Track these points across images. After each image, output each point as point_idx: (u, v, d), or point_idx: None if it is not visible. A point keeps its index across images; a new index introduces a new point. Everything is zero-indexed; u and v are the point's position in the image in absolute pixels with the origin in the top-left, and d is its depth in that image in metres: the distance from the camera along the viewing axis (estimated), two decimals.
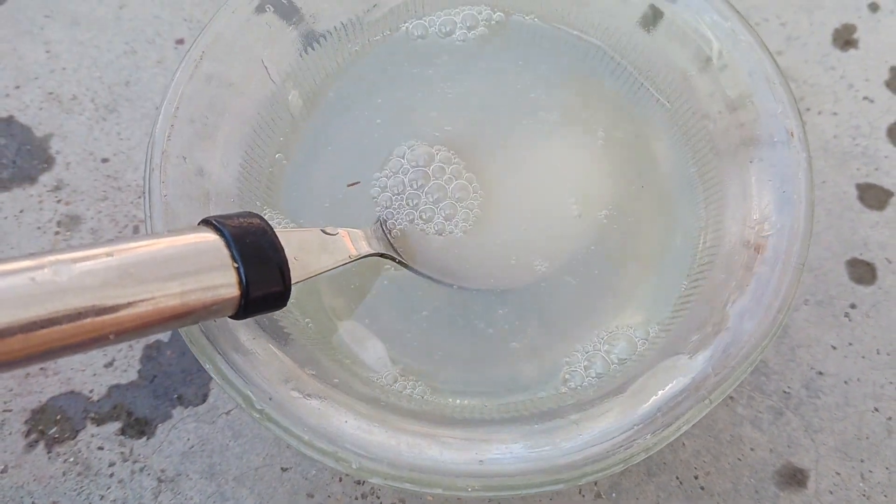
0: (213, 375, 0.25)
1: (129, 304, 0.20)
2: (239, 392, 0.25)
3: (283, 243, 0.24)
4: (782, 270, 0.27)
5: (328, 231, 0.27)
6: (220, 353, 0.25)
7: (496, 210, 0.32)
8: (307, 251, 0.26)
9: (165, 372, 0.34)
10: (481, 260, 0.31)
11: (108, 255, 0.20)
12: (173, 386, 0.34)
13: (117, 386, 0.34)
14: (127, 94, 0.39)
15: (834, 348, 0.35)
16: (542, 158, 0.33)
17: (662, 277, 0.31)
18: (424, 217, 0.32)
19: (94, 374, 0.34)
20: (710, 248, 0.30)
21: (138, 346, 0.34)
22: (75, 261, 0.19)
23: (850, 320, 0.35)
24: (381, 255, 0.30)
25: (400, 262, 0.31)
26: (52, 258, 0.19)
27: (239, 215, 0.24)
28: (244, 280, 0.22)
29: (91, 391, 0.33)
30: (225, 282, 0.22)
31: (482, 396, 0.29)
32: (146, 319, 0.20)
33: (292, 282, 0.24)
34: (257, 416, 0.24)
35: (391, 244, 0.31)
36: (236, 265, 0.22)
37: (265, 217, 0.27)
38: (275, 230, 0.25)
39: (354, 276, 0.31)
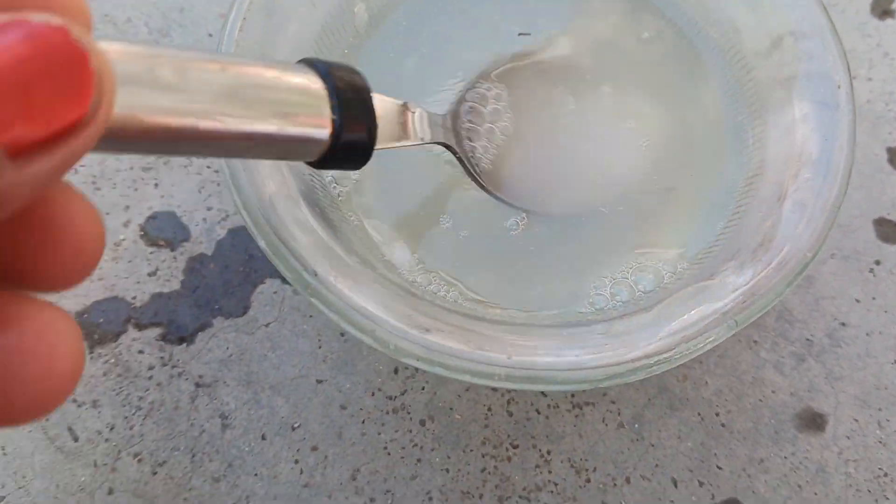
0: (265, 250, 0.26)
1: (231, 118, 0.20)
2: (289, 266, 0.26)
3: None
4: (819, 209, 0.27)
5: (409, 107, 0.27)
6: (273, 231, 0.26)
7: (557, 139, 0.33)
8: (388, 120, 0.26)
9: (208, 284, 0.35)
10: (541, 182, 0.32)
11: (222, 69, 0.20)
12: (215, 297, 0.35)
13: (160, 294, 0.35)
14: (180, 19, 0.40)
15: (857, 301, 0.35)
16: (603, 95, 0.34)
17: (701, 215, 0.32)
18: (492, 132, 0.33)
19: (138, 282, 0.35)
20: (749, 192, 0.31)
21: (182, 257, 0.35)
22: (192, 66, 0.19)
23: (874, 276, 0.36)
24: (449, 149, 0.30)
25: (460, 160, 0.30)
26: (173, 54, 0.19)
27: (341, 67, 0.24)
28: (338, 130, 0.22)
29: (134, 298, 0.34)
30: (320, 124, 0.22)
31: (512, 308, 0.30)
32: (239, 137, 0.20)
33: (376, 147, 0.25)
34: (304, 291, 0.26)
35: (459, 141, 0.31)
36: (334, 116, 0.22)
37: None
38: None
39: (409, 176, 0.33)
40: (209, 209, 0.36)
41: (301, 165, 0.30)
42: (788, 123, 0.30)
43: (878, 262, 0.36)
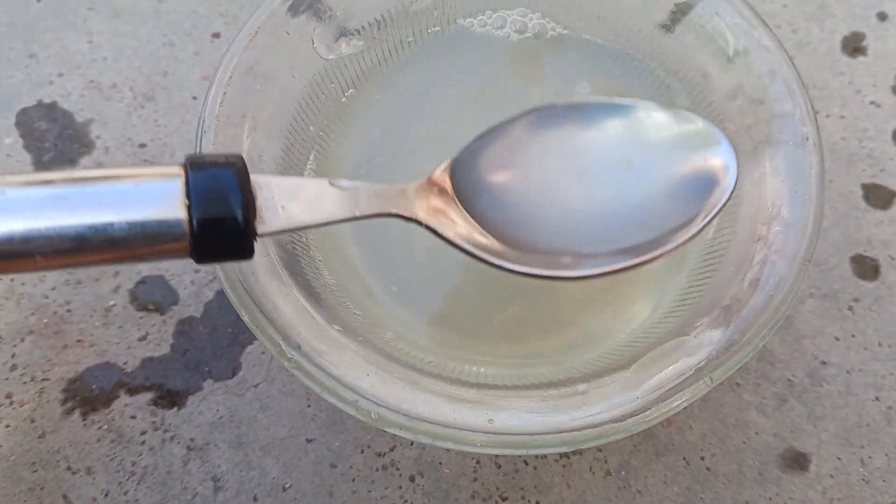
0: (248, 324, 0.27)
1: (63, 232, 0.20)
2: (271, 340, 0.27)
3: (269, 189, 0.23)
4: (789, 264, 0.28)
5: (337, 183, 0.25)
6: (256, 304, 0.27)
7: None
8: (300, 200, 0.24)
9: (197, 347, 0.35)
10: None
11: (46, 182, 0.21)
12: (204, 360, 0.35)
13: (150, 359, 0.35)
14: (164, 83, 0.41)
15: (837, 340, 0.36)
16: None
17: (674, 270, 0.33)
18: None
19: (129, 347, 0.35)
20: (722, 243, 0.32)
21: (171, 321, 0.36)
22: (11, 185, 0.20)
23: (853, 313, 0.36)
24: (407, 219, 0.26)
25: (434, 232, 0.27)
26: None
27: (219, 155, 0.23)
28: (194, 222, 0.21)
29: (125, 363, 0.35)
30: (172, 220, 0.21)
31: (496, 366, 0.31)
32: (83, 250, 0.21)
33: (265, 230, 0.23)
34: (286, 363, 0.27)
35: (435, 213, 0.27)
36: (188, 204, 0.22)
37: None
38: (262, 176, 0.24)
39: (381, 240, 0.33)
40: (196, 271, 0.37)
41: (283, 235, 0.31)
42: (759, 177, 0.31)
43: (856, 300, 0.37)
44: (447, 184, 0.28)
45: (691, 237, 0.26)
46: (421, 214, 0.26)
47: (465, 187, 0.28)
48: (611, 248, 0.26)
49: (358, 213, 0.25)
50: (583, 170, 0.28)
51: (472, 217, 0.27)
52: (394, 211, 0.26)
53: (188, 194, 0.22)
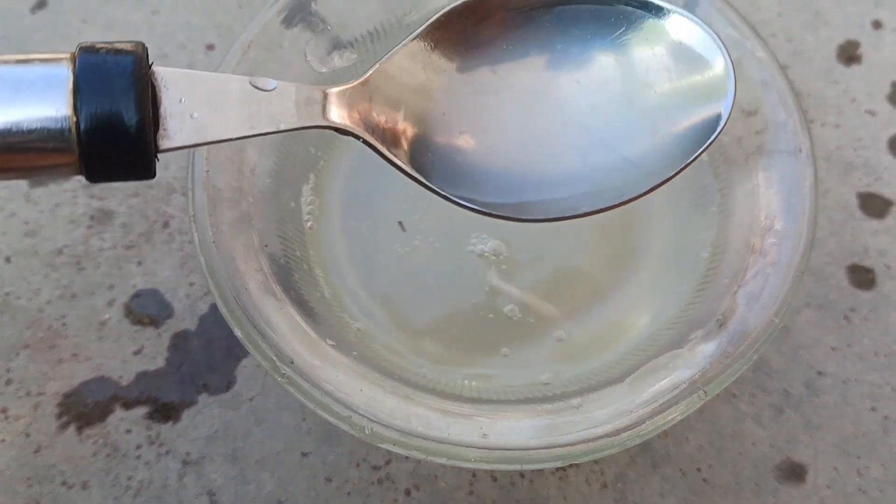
0: (241, 340, 0.27)
1: None
2: (264, 356, 0.27)
3: (177, 89, 0.20)
4: (783, 276, 0.28)
5: (260, 84, 0.22)
6: (249, 320, 0.27)
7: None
8: (215, 105, 0.21)
9: (192, 360, 0.35)
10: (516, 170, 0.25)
11: None
12: (199, 373, 0.35)
13: (145, 372, 0.35)
14: None
15: (834, 349, 0.36)
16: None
17: (669, 283, 0.33)
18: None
19: (124, 361, 0.35)
20: (716, 254, 0.32)
21: (166, 334, 0.36)
22: None
23: (849, 323, 0.36)
24: (340, 131, 0.23)
25: (371, 146, 0.23)
26: None
27: (117, 46, 0.19)
28: (82, 126, 0.18)
29: (120, 377, 0.35)
30: (55, 126, 0.18)
31: (490, 381, 0.31)
32: None
33: (169, 145, 0.20)
34: (280, 379, 0.27)
35: (373, 123, 0.23)
36: (77, 104, 0.18)
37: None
38: (169, 70, 0.20)
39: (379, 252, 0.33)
40: (191, 284, 0.37)
41: (276, 249, 0.31)
42: (752, 188, 0.31)
43: (852, 309, 0.37)
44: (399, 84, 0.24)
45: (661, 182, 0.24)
46: (355, 126, 0.23)
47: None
48: (581, 191, 0.24)
49: (284, 126, 0.22)
50: (558, 95, 0.25)
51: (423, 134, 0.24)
52: (328, 123, 0.23)
53: (76, 85, 0.18)
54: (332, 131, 0.23)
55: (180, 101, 0.20)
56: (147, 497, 0.33)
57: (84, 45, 0.19)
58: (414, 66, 0.25)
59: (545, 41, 0.25)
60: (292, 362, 0.27)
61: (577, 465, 0.34)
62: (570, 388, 0.29)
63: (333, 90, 0.23)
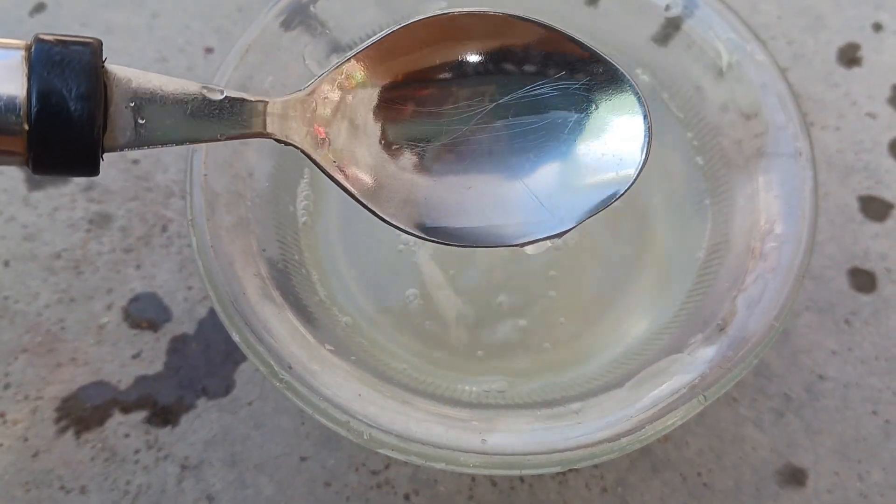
0: (239, 345, 0.27)
1: None
2: (262, 360, 0.27)
3: (127, 90, 0.20)
4: (783, 280, 0.28)
5: (209, 90, 0.22)
6: (247, 325, 0.27)
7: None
8: (163, 110, 0.21)
9: (190, 364, 0.35)
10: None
11: None
12: (198, 377, 0.35)
13: (144, 377, 0.35)
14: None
15: (834, 353, 0.36)
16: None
17: (669, 286, 0.33)
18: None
19: (122, 365, 0.35)
20: (716, 257, 0.31)
21: (164, 338, 0.36)
22: None
23: (850, 327, 0.36)
24: (280, 142, 0.23)
25: (313, 161, 0.23)
26: None
27: (73, 38, 0.20)
28: (32, 114, 0.19)
29: (119, 381, 0.35)
30: (6, 111, 0.19)
31: (489, 385, 0.31)
32: None
33: (114, 144, 0.20)
34: (278, 384, 0.26)
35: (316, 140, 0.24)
36: (29, 92, 0.19)
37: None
38: (123, 69, 0.21)
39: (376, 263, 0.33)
40: (190, 288, 0.36)
41: (274, 253, 0.31)
42: (752, 191, 0.30)
43: (853, 313, 0.36)
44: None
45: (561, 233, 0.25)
46: (298, 138, 0.23)
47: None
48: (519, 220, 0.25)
49: (225, 133, 0.22)
50: (488, 131, 0.26)
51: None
52: (266, 132, 0.23)
53: (30, 74, 0.19)
54: (274, 141, 0.23)
55: (130, 105, 0.20)
56: (145, 502, 0.33)
57: (41, 34, 0.20)
58: (359, 80, 0.25)
59: (491, 78, 0.26)
60: (290, 367, 0.27)
61: (576, 470, 0.34)
62: (570, 392, 0.29)
63: (277, 100, 0.23)
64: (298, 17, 0.33)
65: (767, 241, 0.29)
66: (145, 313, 0.36)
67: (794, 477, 0.34)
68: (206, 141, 0.22)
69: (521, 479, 0.33)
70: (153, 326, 0.36)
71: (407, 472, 0.33)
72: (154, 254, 0.37)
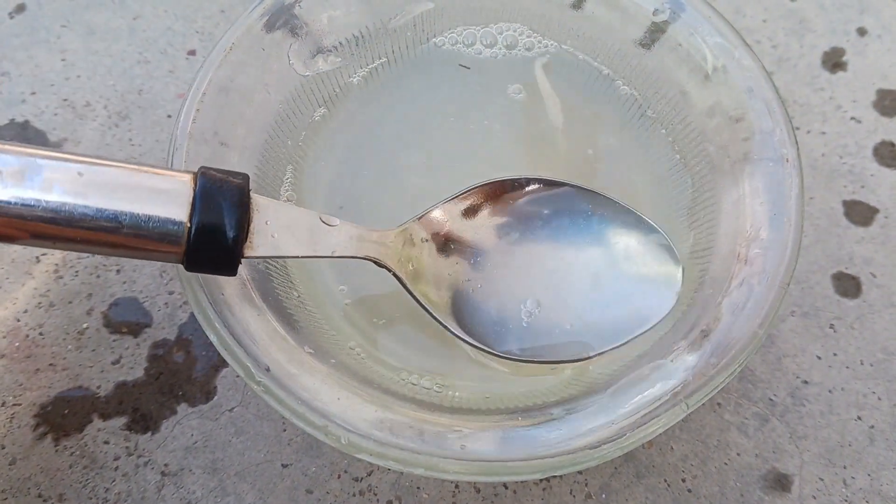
0: (217, 346, 0.27)
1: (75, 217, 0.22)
2: (240, 363, 0.26)
3: (265, 213, 0.25)
4: (768, 287, 0.28)
5: (326, 220, 0.27)
6: (225, 327, 0.27)
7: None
8: (290, 230, 0.26)
9: (171, 370, 0.35)
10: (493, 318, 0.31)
11: (78, 173, 0.23)
12: (178, 383, 0.35)
13: (124, 382, 0.35)
14: (139, 101, 0.40)
15: (819, 358, 0.36)
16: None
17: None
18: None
19: (102, 371, 0.35)
20: (701, 263, 0.31)
21: (145, 344, 0.35)
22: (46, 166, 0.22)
23: (834, 332, 0.36)
24: (383, 266, 0.29)
25: (400, 281, 0.29)
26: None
27: (228, 172, 0.25)
28: (193, 231, 0.23)
29: (98, 387, 0.34)
30: (173, 226, 0.23)
31: (470, 390, 0.30)
32: (83, 235, 0.23)
33: (251, 254, 0.25)
34: (255, 386, 0.26)
35: (405, 263, 0.29)
36: (192, 214, 0.23)
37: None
38: (262, 198, 0.26)
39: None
40: (170, 293, 0.36)
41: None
42: (738, 197, 0.30)
43: (838, 318, 0.36)
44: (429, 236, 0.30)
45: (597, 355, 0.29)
46: (392, 264, 0.29)
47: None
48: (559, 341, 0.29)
49: (338, 253, 0.27)
50: (552, 268, 0.31)
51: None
52: (370, 256, 0.28)
53: (194, 200, 0.23)
54: (374, 263, 0.29)
55: (266, 223, 0.26)
56: None
57: (206, 168, 0.24)
58: (442, 222, 0.30)
59: (546, 225, 0.31)
60: (268, 370, 0.26)
61: (560, 477, 0.33)
62: (552, 398, 0.29)
63: (378, 232, 0.29)
64: (282, 18, 0.33)
65: (753, 246, 0.29)
66: (125, 318, 0.36)
67: (779, 482, 0.34)
68: (322, 257, 0.27)
69: (505, 485, 0.33)
70: (133, 332, 0.35)
71: (390, 479, 0.33)
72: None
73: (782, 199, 0.29)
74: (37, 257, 0.36)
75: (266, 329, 0.28)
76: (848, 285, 0.37)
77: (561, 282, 0.30)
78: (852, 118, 0.41)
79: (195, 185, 0.24)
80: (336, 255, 0.27)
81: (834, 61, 0.42)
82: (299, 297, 0.32)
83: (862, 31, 0.43)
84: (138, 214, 0.23)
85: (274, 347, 0.28)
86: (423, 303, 0.29)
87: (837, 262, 0.37)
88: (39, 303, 0.36)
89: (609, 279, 0.30)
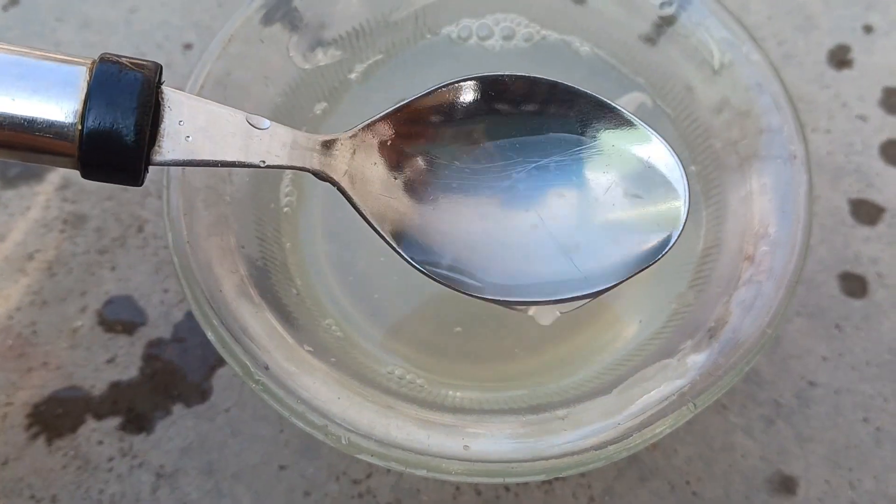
0: (214, 344, 0.26)
1: None
2: (238, 361, 0.26)
3: (179, 112, 0.22)
4: (776, 286, 0.27)
5: (254, 122, 0.23)
6: (223, 324, 0.26)
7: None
8: (209, 133, 0.23)
9: (166, 369, 0.34)
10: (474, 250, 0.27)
11: None
12: (174, 383, 0.34)
13: (118, 382, 0.34)
14: None
15: (825, 359, 0.35)
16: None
17: (659, 290, 0.32)
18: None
19: (96, 370, 0.34)
20: (708, 262, 0.31)
21: (140, 342, 0.34)
22: None
23: (841, 332, 0.36)
24: (319, 176, 0.24)
25: (345, 195, 0.25)
26: None
27: (136, 62, 0.22)
28: (84, 134, 0.20)
29: (92, 386, 0.34)
30: (62, 128, 0.20)
31: (473, 390, 0.30)
32: None
33: (160, 159, 0.22)
34: (254, 385, 0.25)
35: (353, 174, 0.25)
36: (85, 113, 0.20)
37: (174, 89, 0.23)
38: (176, 93, 0.22)
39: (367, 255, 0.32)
40: (166, 291, 0.35)
41: (254, 251, 0.30)
42: (745, 195, 0.30)
43: (844, 318, 0.36)
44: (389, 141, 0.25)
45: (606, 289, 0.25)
46: (337, 176, 0.24)
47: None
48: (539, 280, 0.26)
49: (267, 162, 0.23)
50: (523, 189, 0.27)
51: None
52: (309, 166, 0.24)
53: (88, 95, 0.20)
54: (312, 175, 0.25)
55: (179, 122, 0.22)
56: None
57: (105, 55, 0.21)
58: (400, 131, 0.26)
59: (531, 140, 0.27)
60: (267, 368, 0.26)
61: (563, 479, 0.33)
62: (556, 398, 0.28)
63: (322, 138, 0.25)
64: (281, 10, 0.32)
65: (761, 244, 0.28)
66: (120, 316, 0.35)
67: (785, 485, 0.33)
68: (246, 166, 0.23)
69: (507, 487, 0.32)
70: (128, 330, 0.35)
71: (389, 481, 0.32)
72: (129, 255, 0.36)
73: (790, 196, 0.29)
74: (30, 254, 0.36)
75: (264, 326, 0.28)
76: (854, 285, 0.37)
77: (551, 203, 0.26)
78: (858, 116, 0.40)
79: (90, 77, 0.21)
80: (265, 164, 0.23)
81: (840, 58, 0.42)
82: (298, 293, 0.31)
83: (868, 28, 0.42)
84: (15, 116, 0.20)
85: (272, 345, 0.27)
86: (377, 226, 0.25)
87: (843, 262, 0.37)
88: (32, 300, 0.35)
89: (605, 200, 0.26)
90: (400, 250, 0.25)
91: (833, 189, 0.38)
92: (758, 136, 0.30)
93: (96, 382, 0.34)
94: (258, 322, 0.28)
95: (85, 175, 0.22)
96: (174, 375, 0.34)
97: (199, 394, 0.34)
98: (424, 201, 0.26)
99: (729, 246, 0.30)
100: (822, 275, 0.37)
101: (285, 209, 0.33)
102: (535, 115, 0.27)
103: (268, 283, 0.30)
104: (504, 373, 0.31)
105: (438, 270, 0.26)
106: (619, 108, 0.26)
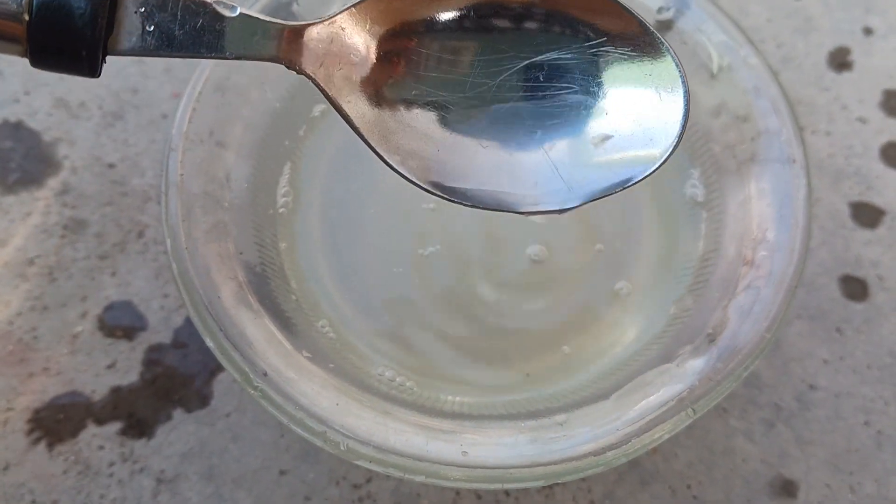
0: (213, 350, 0.26)
1: None
2: (237, 367, 0.26)
3: None
4: (775, 290, 0.27)
5: (221, 8, 0.21)
6: (222, 330, 0.26)
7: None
8: (171, 20, 0.20)
9: (166, 374, 0.34)
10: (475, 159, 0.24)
11: None
12: (174, 388, 0.34)
13: (119, 387, 0.34)
14: (134, 101, 0.40)
15: (826, 362, 0.35)
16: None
17: (658, 295, 0.32)
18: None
19: (97, 375, 0.34)
20: (707, 267, 0.31)
21: (140, 348, 0.35)
22: None
23: (841, 335, 0.36)
24: (290, 68, 0.22)
25: (323, 92, 0.22)
26: None
27: None
28: (33, 16, 0.19)
29: (93, 391, 0.34)
30: (7, 7, 0.19)
31: (472, 395, 0.30)
32: None
33: (118, 48, 0.20)
34: (252, 392, 0.26)
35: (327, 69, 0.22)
36: None
37: None
38: None
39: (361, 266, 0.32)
40: (166, 296, 0.35)
41: (252, 257, 0.30)
42: (744, 199, 0.30)
43: (845, 321, 0.36)
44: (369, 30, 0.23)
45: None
46: (312, 68, 0.22)
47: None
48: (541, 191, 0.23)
49: (234, 53, 0.21)
50: (517, 94, 0.24)
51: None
52: (280, 57, 0.22)
53: None
54: (286, 67, 0.22)
55: (140, 8, 0.20)
56: None
57: None
58: (383, 20, 0.23)
59: (522, 36, 0.24)
60: (266, 374, 0.26)
61: (563, 484, 0.33)
62: (555, 404, 0.28)
63: (293, 25, 0.22)
64: (280, 15, 0.32)
65: (760, 249, 0.28)
66: (120, 322, 0.35)
67: (785, 489, 0.33)
68: (212, 57, 0.21)
69: (507, 492, 0.32)
70: (128, 335, 0.35)
71: (389, 486, 0.32)
72: (130, 260, 0.36)
73: (789, 200, 0.29)
74: (31, 260, 0.36)
75: (263, 333, 0.28)
76: (855, 288, 0.36)
77: (545, 116, 0.24)
78: (858, 118, 0.40)
79: None
80: (231, 56, 0.21)
81: (839, 61, 0.42)
82: (295, 298, 0.31)
83: (868, 31, 0.42)
84: None
85: (271, 351, 0.27)
86: (356, 123, 0.23)
87: (844, 265, 0.37)
88: (33, 306, 0.35)
89: (602, 113, 0.24)
90: (382, 154, 0.23)
91: (833, 192, 0.38)
92: (756, 140, 0.30)
93: (97, 388, 0.34)
94: (257, 329, 0.28)
95: (34, 62, 0.20)
96: (174, 380, 0.34)
97: (199, 399, 0.34)
98: (409, 103, 0.24)
99: (728, 250, 0.30)
100: (823, 278, 0.37)
101: (281, 210, 0.33)
102: (532, 5, 0.24)
103: (266, 289, 0.30)
104: (502, 378, 0.31)
105: (428, 177, 0.23)
106: (632, 11, 0.23)
